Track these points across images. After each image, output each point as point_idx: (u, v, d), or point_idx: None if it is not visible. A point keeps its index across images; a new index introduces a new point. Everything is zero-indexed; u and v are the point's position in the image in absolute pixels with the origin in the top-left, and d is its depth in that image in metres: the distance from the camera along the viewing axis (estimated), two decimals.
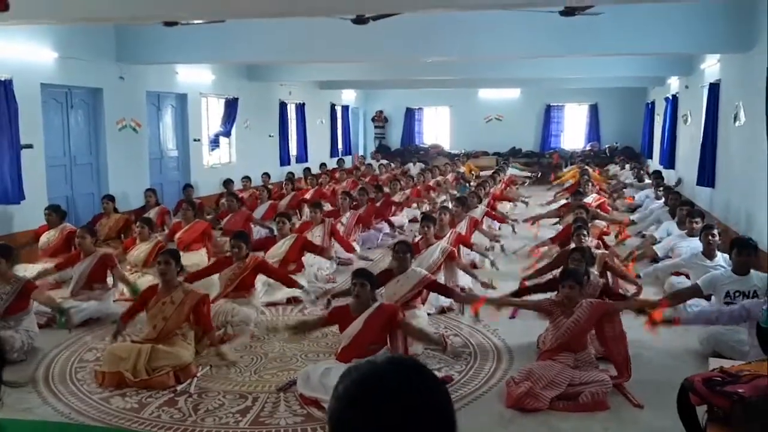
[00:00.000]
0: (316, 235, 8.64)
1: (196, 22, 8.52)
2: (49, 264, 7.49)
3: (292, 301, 7.23)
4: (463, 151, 22.61)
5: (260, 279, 7.34)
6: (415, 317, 5.97)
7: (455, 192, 14.00)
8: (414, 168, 19.03)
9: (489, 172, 16.50)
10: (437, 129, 24.27)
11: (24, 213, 8.63)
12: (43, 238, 8.27)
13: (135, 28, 10.33)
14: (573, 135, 23.10)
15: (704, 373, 3.23)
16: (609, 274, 6.94)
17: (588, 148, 22.32)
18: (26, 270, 7.79)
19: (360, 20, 7.57)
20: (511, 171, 18.85)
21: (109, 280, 7.12)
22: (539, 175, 19.71)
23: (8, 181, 8.36)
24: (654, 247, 8.21)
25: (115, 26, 10.34)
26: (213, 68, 13.45)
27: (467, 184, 15.64)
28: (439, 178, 16.01)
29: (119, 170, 10.80)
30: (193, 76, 12.90)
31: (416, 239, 7.97)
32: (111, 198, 9.67)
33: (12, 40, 8.50)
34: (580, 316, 4.91)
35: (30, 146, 8.87)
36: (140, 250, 7.97)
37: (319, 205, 9.11)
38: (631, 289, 6.84)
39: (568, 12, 6.94)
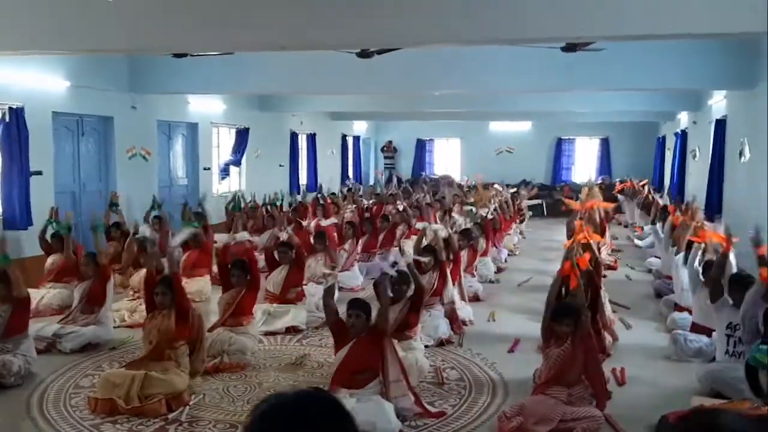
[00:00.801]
0: (318, 262, 8.68)
1: (204, 54, 8.68)
2: (48, 290, 7.58)
3: (291, 330, 7.23)
4: (473, 182, 22.63)
5: (260, 307, 7.39)
6: (411, 348, 5.96)
7: (463, 223, 13.99)
8: (424, 198, 19.05)
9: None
10: (448, 160, 24.36)
11: (32, 238, 8.71)
12: (49, 260, 8.39)
13: (147, 59, 10.54)
14: (584, 168, 23.08)
15: (681, 410, 3.19)
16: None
17: (599, 181, 22.27)
18: (32, 295, 7.90)
19: (365, 54, 7.69)
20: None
21: (107, 303, 7.10)
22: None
23: (17, 207, 8.50)
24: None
25: (127, 56, 10.56)
26: (224, 98, 13.65)
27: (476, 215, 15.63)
28: (447, 208, 16.01)
29: (128, 197, 10.92)
30: (205, 106, 13.10)
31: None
32: (118, 225, 9.79)
33: (24, 69, 8.70)
34: (568, 346, 4.89)
35: (39, 173, 9.02)
36: (141, 275, 8.02)
37: (322, 236, 9.15)
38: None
39: (570, 48, 7.01)
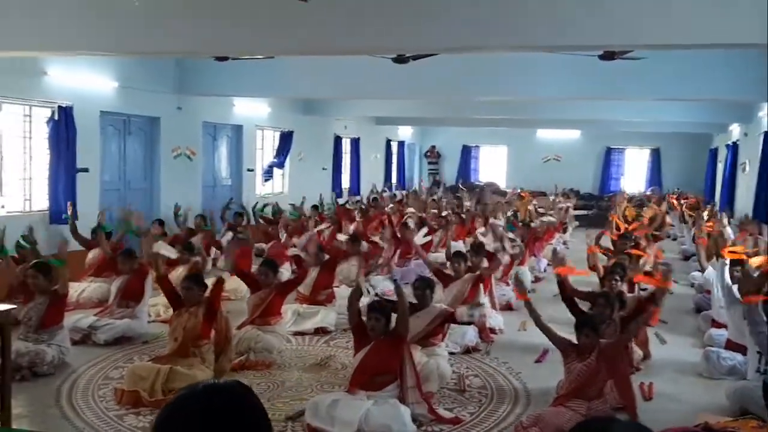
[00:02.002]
0: (352, 265, 8.74)
1: (245, 58, 8.83)
2: (89, 284, 7.83)
3: (320, 331, 7.30)
4: (519, 190, 22.42)
5: (290, 307, 7.49)
6: (434, 354, 5.95)
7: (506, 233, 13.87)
8: (467, 203, 18.95)
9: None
10: (493, 167, 24.19)
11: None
12: (90, 255, 8.66)
13: (194, 61, 10.78)
14: (633, 179, 22.64)
15: (684, 427, 3.11)
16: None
17: (648, 192, 21.80)
18: (73, 288, 8.16)
19: (400, 60, 7.71)
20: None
21: (145, 298, 7.32)
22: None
23: (62, 202, 8.79)
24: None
25: (174, 58, 10.82)
26: (269, 101, 13.87)
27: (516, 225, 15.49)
28: (490, 216, 15.90)
29: (172, 196, 11.17)
30: (250, 109, 13.32)
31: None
32: (161, 222, 10.04)
33: (74, 69, 9.01)
34: (592, 359, 4.81)
35: (86, 170, 9.32)
36: (179, 272, 8.21)
37: (356, 239, 9.20)
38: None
39: (608, 57, 6.89)
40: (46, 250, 8.60)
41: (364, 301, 7.52)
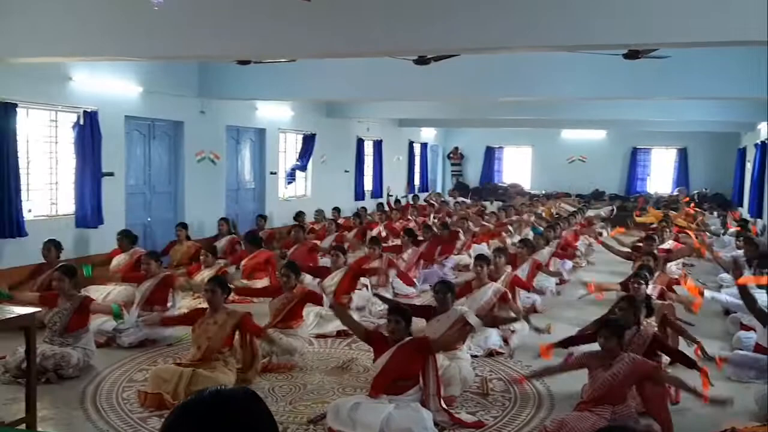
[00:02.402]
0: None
1: (267, 61, 8.86)
2: (115, 287, 7.91)
3: (342, 334, 7.28)
4: (543, 192, 22.26)
5: (313, 310, 7.48)
6: (456, 358, 5.89)
7: (529, 233, 13.78)
8: (491, 207, 18.89)
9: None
10: (518, 168, 24.02)
11: (101, 237, 9.13)
12: (115, 261, 8.73)
13: (217, 65, 10.85)
14: (660, 179, 22.34)
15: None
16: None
17: (675, 193, 21.51)
18: (97, 291, 8.26)
19: (422, 61, 7.68)
20: (591, 213, 18.38)
21: (169, 303, 7.40)
22: (614, 210, 19.12)
23: (88, 206, 8.90)
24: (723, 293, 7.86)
25: (198, 63, 10.91)
26: (292, 105, 13.92)
27: (542, 226, 15.36)
28: (514, 218, 15.81)
29: (196, 200, 11.28)
30: (273, 112, 13.38)
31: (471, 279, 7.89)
32: (184, 226, 10.12)
33: (99, 74, 9.12)
34: (618, 371, 4.71)
35: (111, 174, 9.42)
36: (204, 276, 8.26)
37: (376, 241, 9.18)
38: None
39: (632, 55, 6.80)
40: (72, 254, 8.76)
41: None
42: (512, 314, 6.75)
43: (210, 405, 1.36)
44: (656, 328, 6.19)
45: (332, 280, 7.88)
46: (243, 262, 9.55)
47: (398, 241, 11.10)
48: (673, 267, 11.05)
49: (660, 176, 22.43)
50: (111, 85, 9.38)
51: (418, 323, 5.77)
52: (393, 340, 5.00)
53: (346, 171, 16.71)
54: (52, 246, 7.59)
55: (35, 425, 4.66)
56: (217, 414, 1.34)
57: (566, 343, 5.80)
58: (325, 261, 10.08)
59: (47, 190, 8.83)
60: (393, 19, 5.59)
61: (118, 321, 6.43)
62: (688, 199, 17.13)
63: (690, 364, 5.32)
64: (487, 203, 19.89)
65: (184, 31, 6.11)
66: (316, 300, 6.87)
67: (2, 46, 6.71)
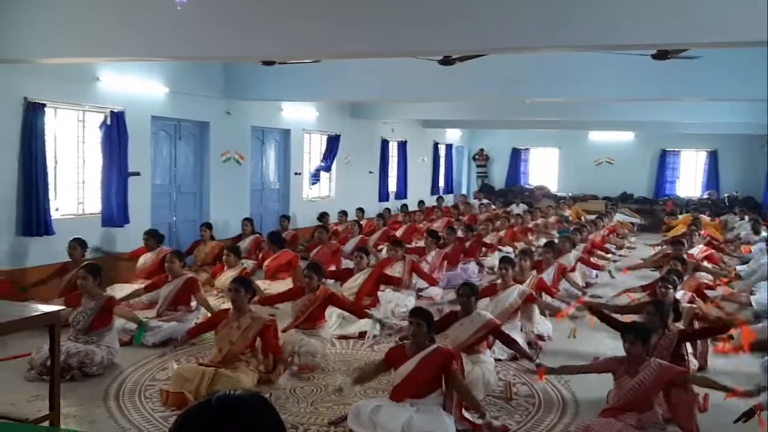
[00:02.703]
0: (395, 271, 8.68)
1: (292, 62, 8.86)
2: (140, 285, 7.95)
3: (364, 335, 7.25)
4: (569, 194, 22.03)
5: (335, 311, 7.45)
6: (479, 362, 5.83)
7: (555, 235, 13.65)
8: (517, 209, 18.73)
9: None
10: (544, 170, 23.80)
11: (127, 236, 9.20)
12: (141, 260, 8.80)
13: (242, 66, 10.90)
14: (689, 182, 21.98)
15: None
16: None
17: (705, 196, 21.15)
18: (122, 290, 8.32)
19: (447, 62, 7.62)
20: (618, 217, 18.15)
21: (193, 303, 7.43)
22: (642, 223, 18.89)
23: (114, 205, 8.97)
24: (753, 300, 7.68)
25: (223, 64, 10.96)
26: (316, 105, 13.93)
27: (569, 229, 15.19)
28: (540, 220, 15.67)
29: (221, 200, 11.33)
30: (297, 113, 13.40)
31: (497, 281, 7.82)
32: (209, 226, 10.17)
33: (126, 75, 9.20)
34: (645, 377, 4.61)
35: (137, 174, 9.49)
36: (227, 276, 8.27)
37: (399, 243, 9.13)
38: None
39: (661, 56, 6.66)
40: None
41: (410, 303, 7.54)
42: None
43: (216, 410, 1.33)
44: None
45: (355, 281, 7.85)
46: (266, 263, 9.60)
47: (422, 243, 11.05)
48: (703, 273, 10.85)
49: (689, 179, 22.06)
50: (138, 86, 9.45)
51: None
52: (414, 345, 4.93)
53: (370, 172, 16.69)
54: (78, 245, 7.66)
55: (59, 422, 4.69)
56: (224, 419, 1.31)
57: (562, 371, 5.57)
58: (348, 262, 10.08)
59: (74, 189, 8.90)
60: (419, 19, 5.54)
61: (140, 337, 6.49)
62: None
63: (722, 329, 5.24)
64: (512, 205, 19.72)
65: (209, 32, 6.13)
66: (339, 303, 6.85)
67: (31, 47, 6.80)
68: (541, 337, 7.35)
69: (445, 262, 10.04)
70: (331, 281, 8.38)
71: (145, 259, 8.78)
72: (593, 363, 5.41)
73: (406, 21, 5.58)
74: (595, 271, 11.48)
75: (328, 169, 14.73)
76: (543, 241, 13.11)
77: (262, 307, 7.01)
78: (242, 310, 5.78)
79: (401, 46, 5.86)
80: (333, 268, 9.86)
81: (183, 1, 4.49)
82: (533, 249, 11.65)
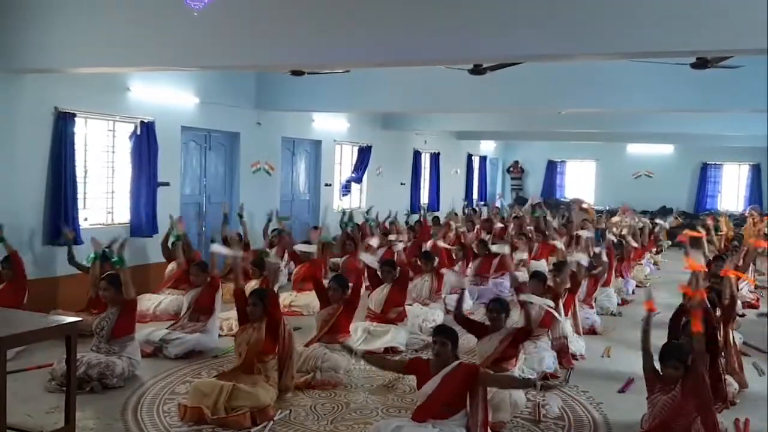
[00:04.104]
0: (425, 281, 8.52)
1: (322, 72, 8.79)
2: (167, 295, 7.93)
3: (390, 351, 7.07)
4: (607, 208, 21.57)
5: (360, 325, 7.32)
6: None
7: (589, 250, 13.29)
8: (552, 222, 18.34)
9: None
10: (581, 183, 23.39)
11: (156, 246, 9.19)
12: (169, 267, 8.82)
13: (274, 77, 10.87)
14: (731, 196, 21.36)
15: None
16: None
17: (747, 211, 20.49)
18: (150, 300, 8.31)
19: (477, 71, 7.45)
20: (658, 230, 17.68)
21: (215, 312, 7.31)
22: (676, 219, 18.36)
23: (143, 215, 8.98)
24: None
25: (254, 74, 10.96)
26: (348, 116, 13.86)
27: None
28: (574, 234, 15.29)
29: (251, 210, 11.27)
30: (329, 124, 13.35)
31: None
32: (239, 236, 10.10)
33: (157, 85, 9.22)
34: (677, 393, 4.37)
35: (167, 184, 9.50)
36: (250, 286, 8.17)
37: (429, 257, 8.95)
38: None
39: (701, 65, 6.40)
40: (129, 261, 8.82)
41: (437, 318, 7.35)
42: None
43: None
44: None
45: (380, 293, 7.69)
46: (294, 272, 9.52)
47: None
48: (745, 290, 10.46)
49: (731, 193, 21.44)
50: (168, 96, 9.47)
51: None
52: (438, 364, 4.75)
53: (402, 183, 16.54)
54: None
55: None
56: None
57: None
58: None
59: (103, 198, 8.93)
60: (451, 26, 5.40)
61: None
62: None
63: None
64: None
65: (239, 41, 6.11)
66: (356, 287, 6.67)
67: (61, 56, 6.85)
68: (574, 356, 7.09)
69: (471, 274, 9.81)
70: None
71: (172, 266, 8.78)
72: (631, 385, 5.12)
73: (438, 28, 5.45)
74: (631, 288, 11.16)
75: (359, 180, 14.63)
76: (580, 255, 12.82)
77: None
78: (259, 318, 5.70)
79: (432, 54, 5.71)
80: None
81: (198, 6, 4.42)
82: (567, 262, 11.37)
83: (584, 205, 18.78)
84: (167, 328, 7.02)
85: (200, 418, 5.06)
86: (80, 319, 4.97)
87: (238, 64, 6.94)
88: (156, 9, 6.27)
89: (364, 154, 14.55)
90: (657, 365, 4.75)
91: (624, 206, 17.22)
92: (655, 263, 14.66)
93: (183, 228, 8.32)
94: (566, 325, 7.31)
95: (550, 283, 7.45)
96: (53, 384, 5.65)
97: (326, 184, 13.61)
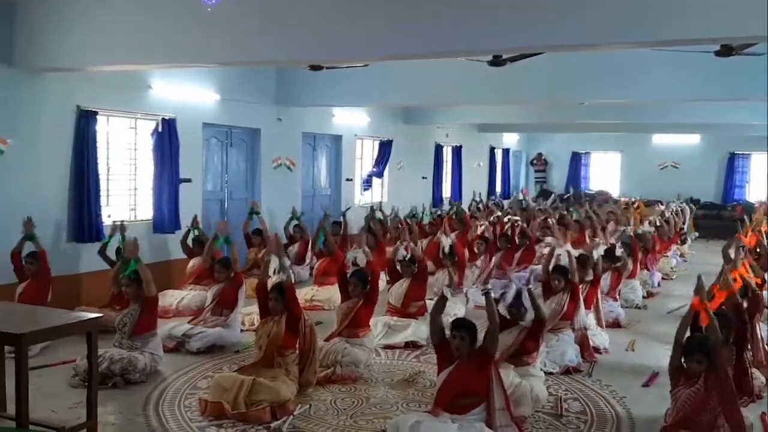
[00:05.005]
0: (446, 276, 8.49)
1: (340, 66, 8.77)
2: (190, 291, 7.99)
3: (411, 345, 7.05)
4: (634, 199, 21.30)
5: (381, 320, 7.31)
6: (528, 375, 5.56)
7: (614, 242, 13.13)
8: (576, 215, 18.16)
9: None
10: (605, 175, 23.13)
11: (178, 242, 9.24)
12: (191, 263, 8.89)
13: (294, 73, 10.87)
14: (760, 186, 20.94)
15: None
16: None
17: None
18: (173, 296, 8.37)
19: (496, 62, 7.37)
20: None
21: (237, 307, 7.35)
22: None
23: (165, 212, 9.04)
24: None
25: (275, 70, 10.97)
26: (368, 111, 13.83)
27: (629, 235, 14.62)
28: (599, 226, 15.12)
29: (272, 206, 11.33)
30: (349, 119, 13.33)
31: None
32: (259, 232, 10.17)
33: (177, 82, 9.27)
34: (700, 386, 4.29)
35: (189, 180, 9.55)
36: (272, 280, 8.19)
37: (451, 255, 8.90)
38: None
39: (724, 52, 6.26)
40: (151, 258, 8.94)
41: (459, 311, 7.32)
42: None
43: None
44: None
45: (400, 288, 7.66)
46: (315, 266, 9.55)
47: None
48: None
49: (760, 183, 21.03)
50: (189, 93, 9.52)
51: None
52: (457, 357, 4.72)
53: (423, 177, 16.49)
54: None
55: (96, 431, 4.66)
56: None
57: None
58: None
59: (126, 195, 9.01)
60: (470, 17, 5.33)
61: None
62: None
63: None
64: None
65: (258, 37, 6.10)
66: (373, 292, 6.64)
67: (83, 55, 6.92)
68: (597, 350, 7.01)
69: (494, 268, 9.73)
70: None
71: (194, 263, 8.84)
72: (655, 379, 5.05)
73: (458, 20, 5.38)
74: (656, 280, 11.01)
75: (380, 174, 14.61)
76: (602, 247, 12.68)
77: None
78: (279, 312, 5.71)
79: (451, 46, 5.65)
80: (382, 274, 9.73)
81: (213, 2, 4.41)
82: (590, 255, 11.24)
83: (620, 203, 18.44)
84: (189, 323, 7.07)
85: (221, 413, 5.08)
86: (101, 315, 5.01)
87: (257, 59, 6.96)
88: (175, 7, 6.31)
89: (385, 148, 14.52)
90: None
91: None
92: (682, 255, 14.44)
93: (228, 231, 8.27)
94: (588, 317, 7.24)
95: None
96: (76, 379, 5.71)
97: (347, 179, 13.61)
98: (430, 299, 8.09)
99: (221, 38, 6.23)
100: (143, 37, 6.49)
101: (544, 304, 6.86)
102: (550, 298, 6.94)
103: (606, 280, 8.58)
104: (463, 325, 4.81)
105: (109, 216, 8.53)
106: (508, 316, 5.71)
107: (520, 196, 20.80)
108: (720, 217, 19.46)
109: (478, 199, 17.06)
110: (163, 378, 5.97)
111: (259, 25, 6.05)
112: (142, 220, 9.08)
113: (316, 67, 8.52)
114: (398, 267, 7.81)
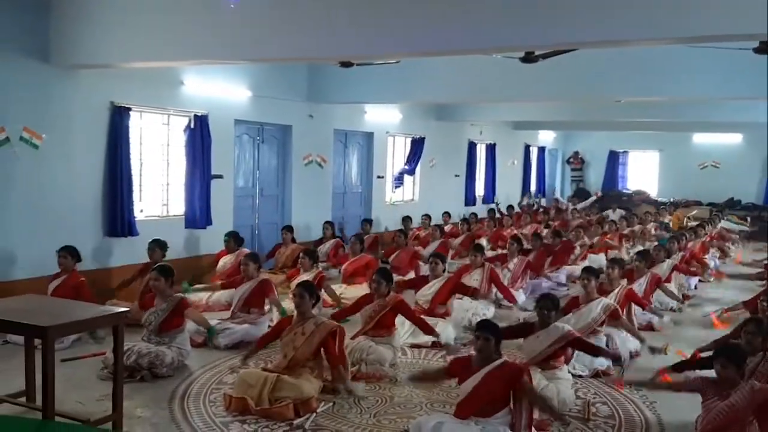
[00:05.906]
0: (473, 279, 8.38)
1: (371, 63, 8.72)
2: (217, 283, 8.04)
3: (437, 345, 6.98)
4: (671, 200, 20.88)
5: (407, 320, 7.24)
6: (555, 378, 5.47)
7: (653, 243, 12.87)
8: (613, 215, 17.89)
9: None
10: (643, 174, 22.70)
11: (210, 238, 9.34)
12: (221, 262, 8.91)
13: (326, 69, 10.86)
14: None
15: None
16: None
17: None
18: (198, 294, 8.42)
19: (528, 59, 7.24)
20: (723, 224, 16.98)
21: (267, 306, 7.41)
22: (748, 230, 17.59)
23: (197, 207, 9.12)
24: None
25: (307, 67, 10.97)
26: (401, 108, 13.76)
27: (667, 237, 14.31)
28: (636, 227, 14.87)
29: (303, 203, 11.36)
30: (381, 116, 13.29)
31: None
32: (290, 229, 10.21)
33: (210, 79, 9.34)
34: (736, 401, 4.14)
35: (220, 176, 9.62)
36: (302, 279, 8.21)
37: (479, 249, 8.80)
38: None
39: (763, 49, 6.04)
40: (183, 253, 9.04)
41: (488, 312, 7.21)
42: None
43: None
44: None
45: (429, 289, 7.60)
46: (344, 266, 9.53)
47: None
48: None
49: None
50: (221, 90, 9.58)
51: None
52: (480, 359, 4.64)
53: (456, 175, 16.36)
54: (157, 246, 7.77)
55: (121, 424, 4.71)
56: None
57: (681, 366, 5.25)
58: (427, 269, 9.85)
59: (159, 191, 9.11)
60: (502, 13, 5.26)
61: (210, 338, 6.62)
62: None
63: None
64: (608, 211, 18.84)
65: (290, 33, 6.09)
66: (408, 313, 6.60)
67: (117, 52, 7.00)
68: (631, 355, 6.85)
69: (528, 270, 9.59)
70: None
71: (225, 261, 8.88)
72: (682, 381, 4.95)
73: (489, 16, 5.32)
74: (693, 283, 10.75)
75: (411, 172, 14.54)
76: (638, 248, 12.45)
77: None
78: (306, 315, 5.67)
79: (483, 42, 5.56)
80: (411, 273, 9.69)
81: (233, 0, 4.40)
82: (626, 257, 11.03)
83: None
84: (218, 320, 7.11)
85: (245, 409, 5.10)
86: (128, 309, 5.07)
87: (288, 56, 6.93)
88: (207, 3, 6.35)
89: (417, 145, 14.45)
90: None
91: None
92: (720, 256, 14.02)
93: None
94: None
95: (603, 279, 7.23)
96: (105, 372, 5.78)
97: (378, 177, 13.57)
98: (459, 299, 8.03)
99: (253, 35, 6.24)
100: (176, 34, 6.55)
101: (574, 314, 6.70)
102: (579, 309, 6.79)
103: (642, 285, 8.40)
104: (487, 326, 4.73)
105: (141, 211, 8.64)
106: (537, 318, 5.63)
107: (557, 194, 20.57)
108: (761, 219, 18.94)
109: (496, 202, 16.87)
110: (189, 372, 6.02)
111: (290, 21, 6.05)
112: (174, 216, 9.17)
113: (346, 64, 8.50)
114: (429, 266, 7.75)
